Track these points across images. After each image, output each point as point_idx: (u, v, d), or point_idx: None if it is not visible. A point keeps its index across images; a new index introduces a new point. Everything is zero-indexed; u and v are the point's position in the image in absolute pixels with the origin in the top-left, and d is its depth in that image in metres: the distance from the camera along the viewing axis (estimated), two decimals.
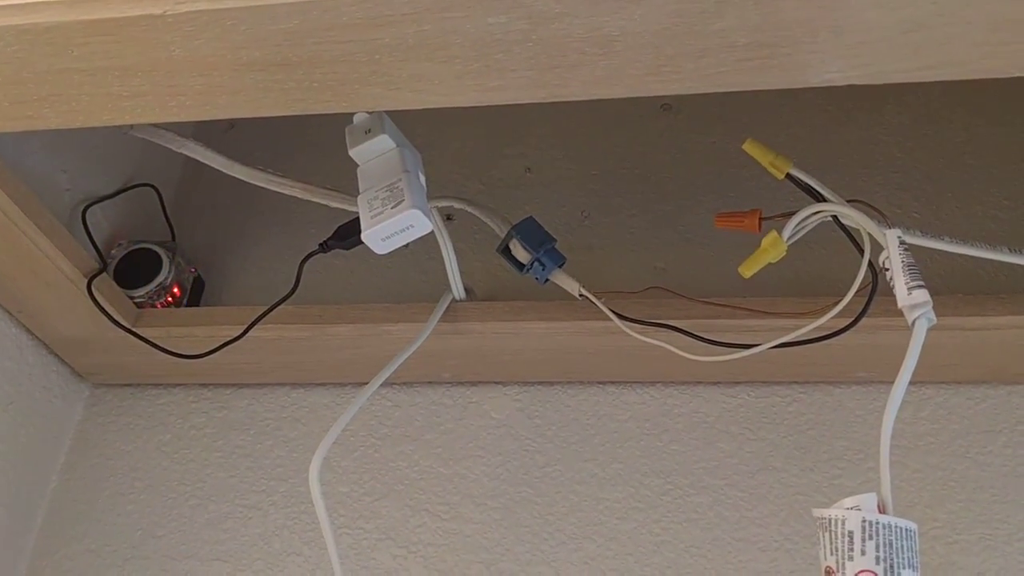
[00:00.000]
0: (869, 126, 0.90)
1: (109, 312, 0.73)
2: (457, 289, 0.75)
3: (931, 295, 0.54)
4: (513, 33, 0.47)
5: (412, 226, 0.62)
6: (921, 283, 0.51)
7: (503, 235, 0.70)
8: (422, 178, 0.66)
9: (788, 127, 0.90)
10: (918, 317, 0.50)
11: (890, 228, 0.54)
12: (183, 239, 0.90)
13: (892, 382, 0.50)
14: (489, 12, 0.46)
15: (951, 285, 0.76)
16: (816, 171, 0.62)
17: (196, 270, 0.87)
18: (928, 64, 0.47)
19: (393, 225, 0.61)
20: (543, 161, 0.94)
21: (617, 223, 0.88)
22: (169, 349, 0.74)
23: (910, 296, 0.50)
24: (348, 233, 0.66)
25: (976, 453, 0.72)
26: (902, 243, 0.52)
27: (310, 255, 0.68)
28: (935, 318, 0.51)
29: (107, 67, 0.51)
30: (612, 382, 0.79)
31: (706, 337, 0.63)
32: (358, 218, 0.63)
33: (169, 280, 0.82)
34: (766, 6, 0.44)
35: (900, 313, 0.53)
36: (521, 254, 0.68)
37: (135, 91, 0.52)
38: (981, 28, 0.44)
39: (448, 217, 0.85)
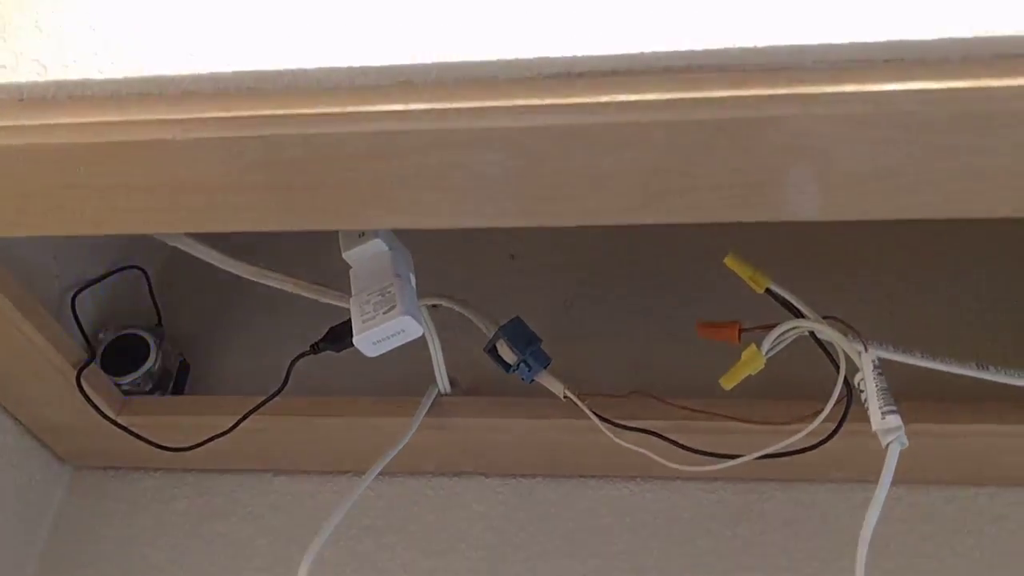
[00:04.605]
0: (847, 232, 0.93)
1: (97, 404, 0.73)
2: (443, 383, 0.76)
3: (902, 399, 0.57)
4: (510, 169, 0.49)
5: (403, 331, 0.63)
6: (894, 408, 0.53)
7: (490, 333, 0.72)
8: (413, 279, 0.68)
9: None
10: (891, 441, 0.52)
11: (865, 351, 0.56)
12: (170, 321, 0.90)
13: (865, 481, 0.52)
14: (489, 150, 0.48)
15: (921, 386, 0.79)
16: (795, 272, 0.64)
17: (182, 354, 0.88)
18: (901, 207, 0.49)
19: (385, 330, 0.63)
20: (528, 248, 0.96)
21: (601, 313, 0.90)
22: (155, 441, 0.74)
23: (883, 421, 0.53)
24: (339, 336, 0.67)
25: (946, 554, 0.74)
26: (876, 367, 0.54)
27: (300, 356, 0.70)
28: (907, 441, 0.53)
29: (113, 184, 0.52)
30: (593, 476, 0.80)
31: (688, 446, 0.65)
32: (349, 320, 0.65)
33: (156, 367, 0.83)
34: (749, 152, 0.46)
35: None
36: (508, 355, 0.70)
37: (139, 206, 0.54)
38: (951, 176, 0.47)
39: (435, 304, 0.86)
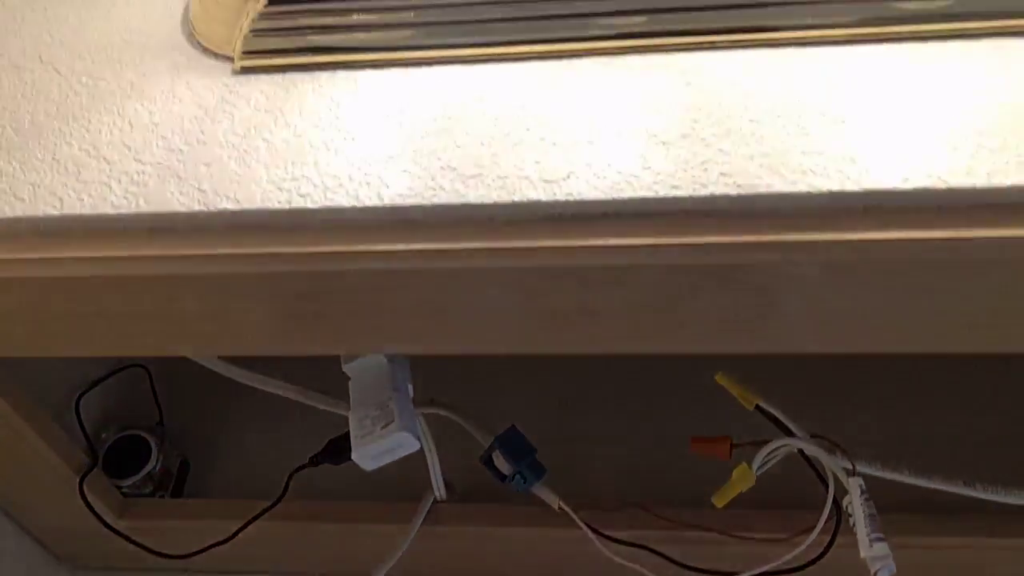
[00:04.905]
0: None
1: (98, 511, 0.74)
2: (439, 490, 0.77)
3: (892, 510, 0.58)
4: (508, 303, 0.51)
5: (400, 446, 0.64)
6: (881, 536, 0.54)
7: (486, 443, 0.73)
8: (411, 389, 0.70)
9: None
10: (879, 568, 0.53)
11: (853, 474, 0.57)
12: (171, 419, 0.91)
13: None
14: (485, 286, 0.50)
15: (910, 495, 0.80)
16: (785, 384, 0.66)
17: (183, 454, 0.89)
18: (884, 342, 0.51)
19: (382, 446, 0.64)
20: None
21: (595, 415, 0.91)
22: (155, 549, 0.75)
23: (871, 548, 0.54)
24: (338, 449, 0.69)
25: None
26: (863, 493, 0.56)
27: (299, 468, 0.71)
28: (895, 568, 0.54)
29: (122, 313, 0.54)
30: None
31: (681, 561, 0.66)
32: (347, 433, 0.66)
33: (157, 469, 0.84)
34: (735, 293, 0.48)
35: None
36: (503, 466, 0.71)
37: (146, 331, 0.56)
38: (930, 316, 0.49)
39: (431, 400, 0.87)
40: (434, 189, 0.49)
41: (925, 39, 0.50)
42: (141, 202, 0.51)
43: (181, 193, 0.51)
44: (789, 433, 0.64)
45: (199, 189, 0.51)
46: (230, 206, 0.50)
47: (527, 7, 0.53)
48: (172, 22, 0.60)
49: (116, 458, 0.83)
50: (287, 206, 0.50)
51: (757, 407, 0.65)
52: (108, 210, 0.51)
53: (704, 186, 0.46)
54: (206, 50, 0.58)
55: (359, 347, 0.57)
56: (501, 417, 0.74)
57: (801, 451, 0.63)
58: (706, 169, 0.47)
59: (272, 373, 0.75)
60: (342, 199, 0.49)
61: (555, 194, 0.48)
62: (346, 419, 0.69)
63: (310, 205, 0.49)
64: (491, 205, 0.48)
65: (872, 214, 0.46)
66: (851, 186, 0.45)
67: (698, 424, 0.69)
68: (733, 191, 0.46)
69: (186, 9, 0.60)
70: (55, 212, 0.51)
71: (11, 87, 0.58)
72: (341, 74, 0.55)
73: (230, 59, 0.57)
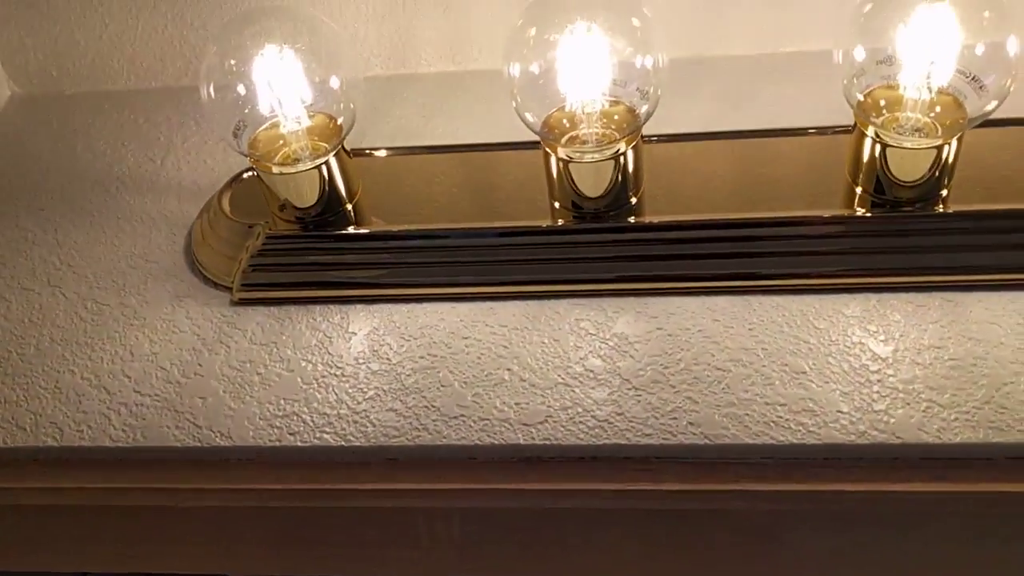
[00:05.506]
0: None
1: None
2: None
3: None
4: (488, 536, 0.53)
5: None
6: None
7: None
8: None
9: None
10: None
11: None
12: None
13: None
14: (467, 521, 0.52)
15: None
16: None
17: None
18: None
19: None
20: None
21: None
22: None
23: None
24: None
25: None
26: None
27: None
28: None
29: (119, 537, 0.56)
30: None
31: None
32: None
33: None
34: (707, 539, 0.51)
35: None
36: None
37: (142, 553, 0.57)
38: (889, 559, 0.51)
39: None
40: (418, 430, 0.51)
41: (880, 291, 0.54)
42: (139, 435, 0.53)
43: (177, 427, 0.53)
44: None
45: (194, 424, 0.53)
46: (223, 443, 0.52)
47: (504, 252, 0.57)
48: (175, 248, 0.64)
49: None
50: (277, 444, 0.52)
51: None
52: (107, 443, 0.53)
53: (673, 435, 0.49)
54: (206, 279, 0.61)
55: (351, 574, 0.58)
56: None
57: None
58: (675, 418, 0.50)
59: None
60: (330, 438, 0.52)
61: (533, 438, 0.50)
62: None
63: (299, 444, 0.52)
64: (471, 447, 0.51)
65: (831, 465, 0.48)
66: (811, 439, 0.48)
67: None
68: (700, 441, 0.49)
69: (188, 237, 0.64)
70: (55, 444, 0.54)
71: (19, 310, 0.61)
72: (334, 308, 0.58)
73: (229, 289, 0.60)
